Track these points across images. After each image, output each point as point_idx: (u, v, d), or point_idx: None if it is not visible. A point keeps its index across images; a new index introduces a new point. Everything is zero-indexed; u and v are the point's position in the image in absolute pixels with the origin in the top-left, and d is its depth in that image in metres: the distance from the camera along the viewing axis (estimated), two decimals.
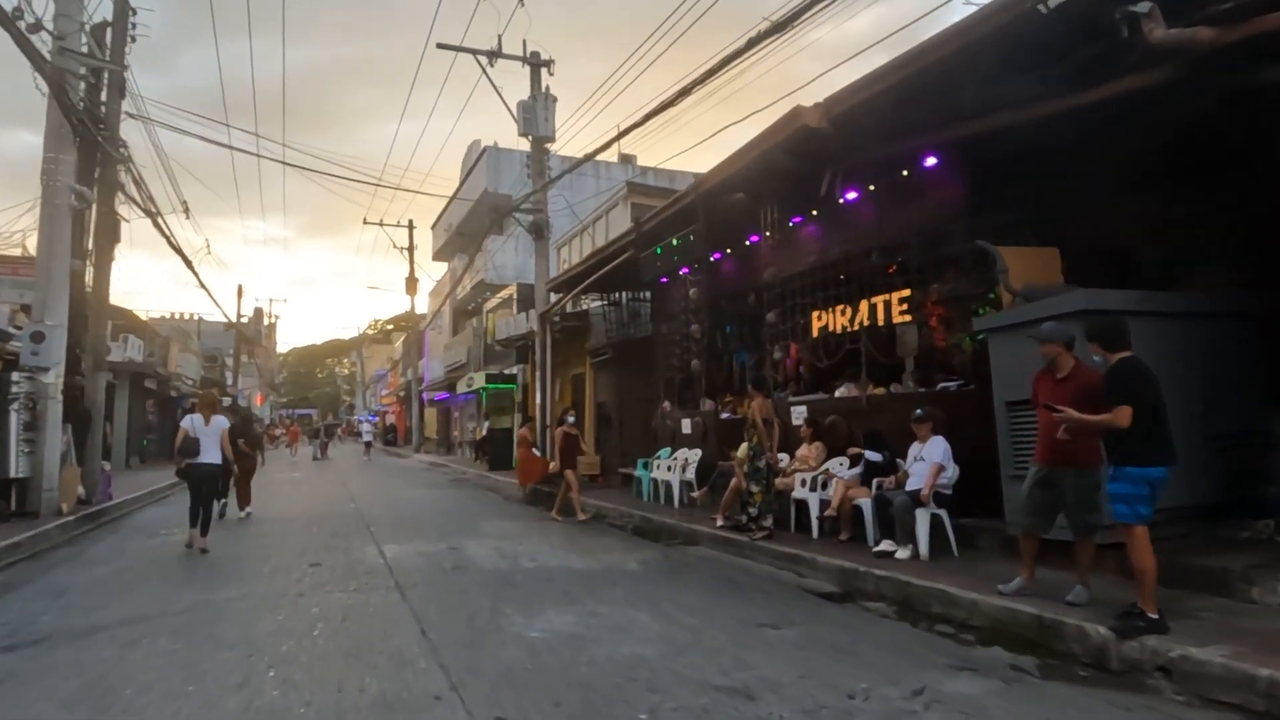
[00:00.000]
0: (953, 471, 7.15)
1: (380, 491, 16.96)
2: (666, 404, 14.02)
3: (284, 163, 18.19)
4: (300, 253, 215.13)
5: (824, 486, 8.57)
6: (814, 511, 8.32)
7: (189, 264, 19.02)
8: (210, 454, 8.74)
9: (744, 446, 9.60)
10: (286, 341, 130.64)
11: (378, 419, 61.45)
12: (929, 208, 9.16)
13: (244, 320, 53.22)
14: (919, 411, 7.38)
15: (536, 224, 17.10)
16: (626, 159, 29.93)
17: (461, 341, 31.53)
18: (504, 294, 25.76)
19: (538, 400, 17.03)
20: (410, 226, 38.27)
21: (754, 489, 8.34)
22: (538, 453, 15.47)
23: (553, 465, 12.28)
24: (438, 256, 41.04)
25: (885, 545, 7.07)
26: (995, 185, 8.23)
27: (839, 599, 6.39)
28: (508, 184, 27.16)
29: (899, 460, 7.93)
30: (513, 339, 20.67)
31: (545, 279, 17.23)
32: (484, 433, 24.53)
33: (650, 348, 15.55)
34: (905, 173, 9.26)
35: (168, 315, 44.09)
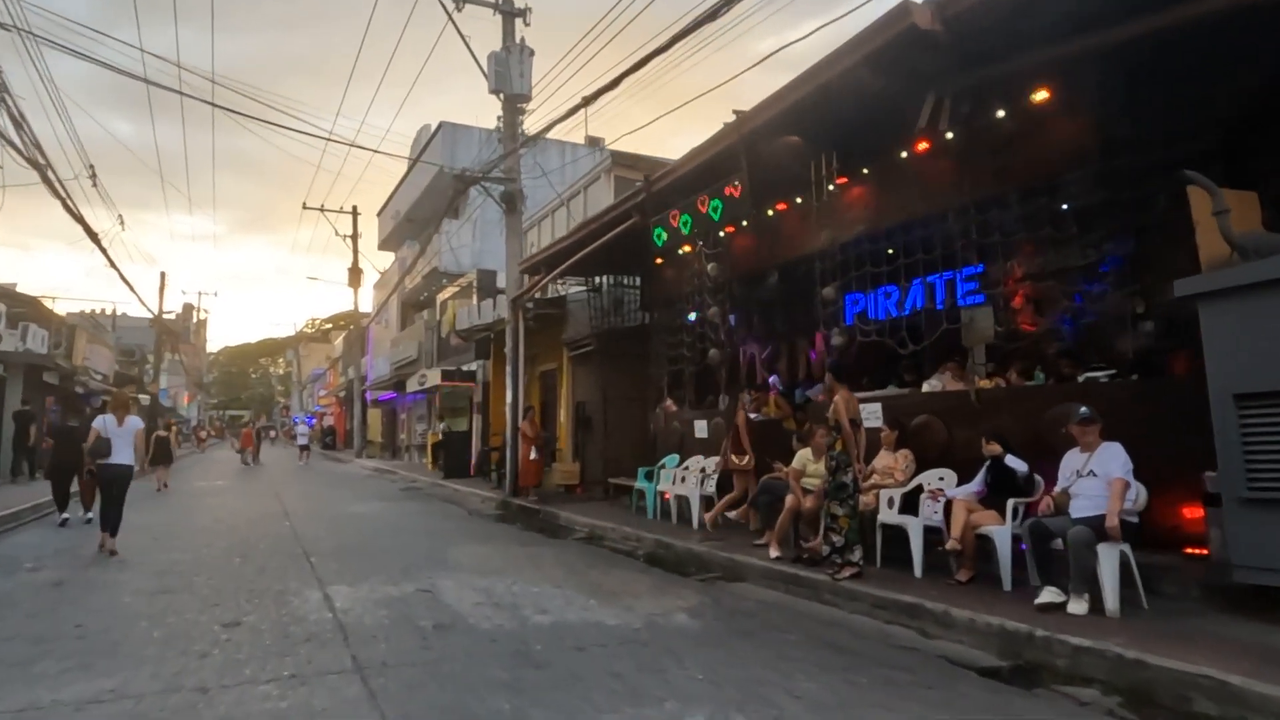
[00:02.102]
0: (1137, 492, 5.20)
1: (321, 505, 14.40)
2: (669, 403, 11.90)
3: (213, 104, 15.44)
4: (233, 249, 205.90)
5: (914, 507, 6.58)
6: (916, 542, 6.29)
7: (93, 236, 16.16)
8: (122, 455, 8.52)
9: (802, 454, 7.58)
10: (218, 340, 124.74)
11: (315, 421, 57.79)
12: (1039, 151, 7.24)
13: (171, 316, 49.23)
14: (1084, 411, 5.41)
15: (509, 194, 14.79)
16: (594, 141, 27.82)
17: (411, 336, 28.88)
18: (461, 282, 23.32)
19: (508, 398, 14.70)
20: (354, 213, 35.35)
21: (839, 511, 6.27)
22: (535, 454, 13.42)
23: (742, 460, 8.74)
24: (384, 246, 38.22)
25: (1049, 594, 5.07)
26: (1146, 112, 6.33)
27: (1013, 678, 4.37)
28: (465, 163, 24.74)
29: (1036, 476, 5.97)
30: (475, 329, 18.28)
31: (518, 258, 14.93)
32: (439, 436, 22.01)
33: (644, 338, 13.43)
34: (1002, 112, 7.36)
35: (87, 312, 40.18)
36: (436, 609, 5.89)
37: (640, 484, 10.88)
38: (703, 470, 9.96)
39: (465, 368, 21.62)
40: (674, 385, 11.91)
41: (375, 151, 20.56)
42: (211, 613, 5.74)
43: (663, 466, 10.93)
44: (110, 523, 8.39)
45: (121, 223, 21.84)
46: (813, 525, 7.27)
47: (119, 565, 7.74)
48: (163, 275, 35.00)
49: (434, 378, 22.46)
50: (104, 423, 8.56)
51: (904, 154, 8.40)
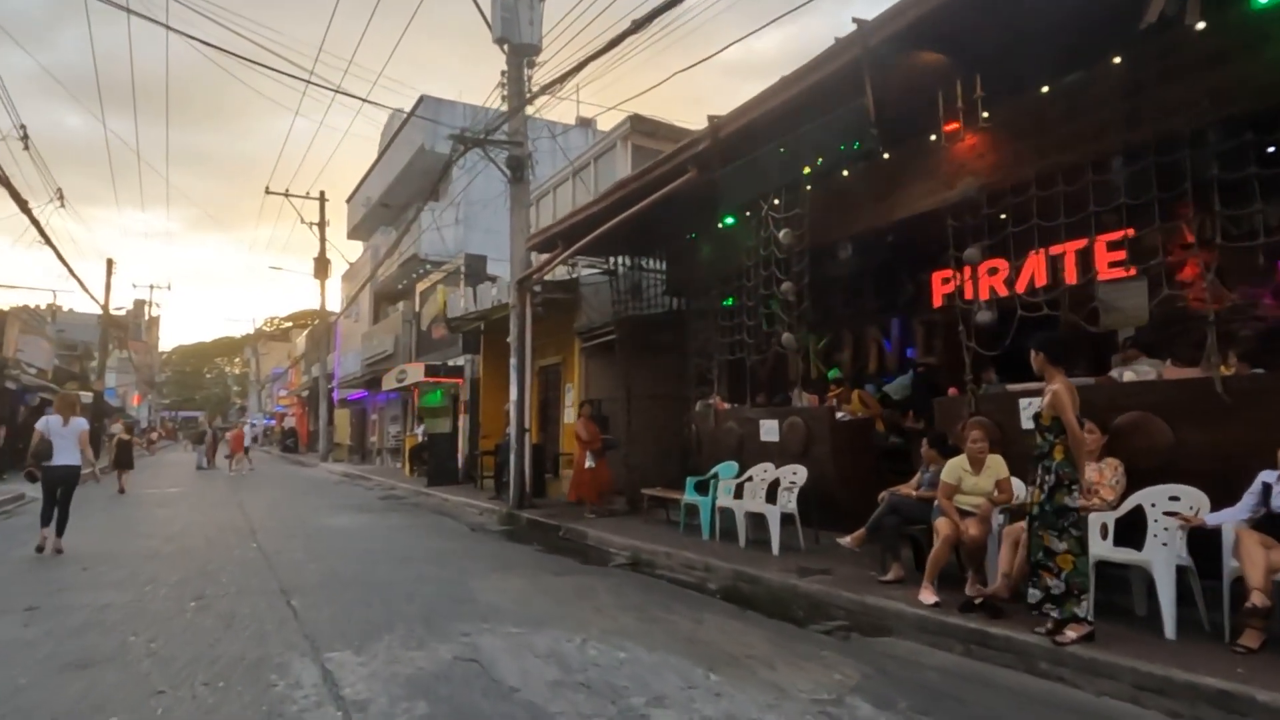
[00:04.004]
0: None
1: (292, 518, 12.26)
2: (717, 399, 10.04)
3: (167, 27, 13.13)
4: (189, 246, 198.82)
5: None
6: (1166, 589, 4.49)
7: (22, 205, 13.79)
8: (66, 456, 8.37)
9: (954, 465, 5.80)
10: (172, 340, 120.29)
11: (274, 421, 54.81)
12: (1245, 71, 5.52)
13: (121, 312, 45.99)
14: None
15: (515, 159, 12.80)
16: (585, 122, 25.94)
17: (386, 329, 26.62)
18: (447, 268, 21.23)
19: (511, 394, 12.75)
20: (321, 198, 32.93)
21: (1059, 546, 4.45)
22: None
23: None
24: (353, 235, 35.75)
25: None
26: None
27: None
28: (447, 141, 22.64)
29: None
30: (470, 317, 16.21)
31: (525, 234, 12.97)
32: (419, 438, 19.89)
33: (677, 325, 11.58)
34: (1202, 24, 5.62)
35: (31, 305, 37.11)
36: (498, 697, 3.94)
37: (690, 497, 9.00)
38: (775, 481, 8.11)
39: (451, 362, 19.55)
40: (742, 377, 10.02)
41: (364, 100, 18.53)
42: (151, 710, 3.73)
43: (715, 476, 9.08)
44: (59, 526, 8.37)
45: (60, 197, 19.26)
46: (974, 560, 5.49)
47: (27, 616, 5.64)
48: (109, 262, 32.09)
49: (415, 374, 20.32)
50: (47, 424, 8.42)
51: (1045, 89, 6.72)
